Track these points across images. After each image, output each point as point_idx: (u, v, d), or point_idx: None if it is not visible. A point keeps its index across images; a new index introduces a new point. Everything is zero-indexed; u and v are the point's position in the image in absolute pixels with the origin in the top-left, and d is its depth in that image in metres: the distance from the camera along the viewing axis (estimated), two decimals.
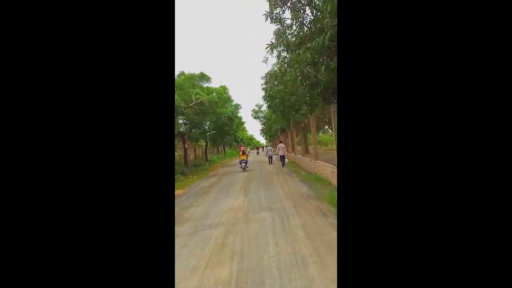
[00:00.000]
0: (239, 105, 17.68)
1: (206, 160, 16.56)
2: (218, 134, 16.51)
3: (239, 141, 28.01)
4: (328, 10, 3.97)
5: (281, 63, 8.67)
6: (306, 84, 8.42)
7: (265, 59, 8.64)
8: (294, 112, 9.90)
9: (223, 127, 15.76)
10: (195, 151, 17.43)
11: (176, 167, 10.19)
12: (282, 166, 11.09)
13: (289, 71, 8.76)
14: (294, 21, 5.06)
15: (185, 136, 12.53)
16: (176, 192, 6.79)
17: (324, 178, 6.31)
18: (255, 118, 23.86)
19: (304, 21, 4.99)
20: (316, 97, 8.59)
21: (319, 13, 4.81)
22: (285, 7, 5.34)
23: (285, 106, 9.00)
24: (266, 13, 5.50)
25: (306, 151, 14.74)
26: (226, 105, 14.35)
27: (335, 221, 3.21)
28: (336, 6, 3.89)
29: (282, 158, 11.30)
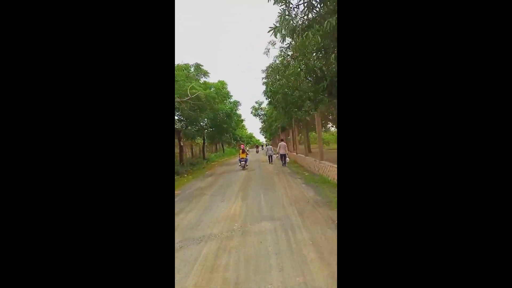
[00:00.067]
0: (238, 102, 17.03)
1: (204, 158, 15.90)
2: (216, 132, 15.84)
3: (238, 139, 27.41)
4: None
5: (284, 55, 8.02)
6: (311, 78, 7.80)
7: (266, 50, 8.00)
8: (296, 109, 9.27)
9: (221, 125, 15.11)
10: (192, 149, 16.79)
11: None
12: (283, 165, 10.55)
13: (293, 64, 8.12)
14: (302, 0, 4.41)
15: (181, 133, 11.89)
16: None
17: (330, 180, 5.70)
18: (255, 115, 23.24)
19: (314, 0, 4.34)
20: (321, 92, 7.96)
21: None
22: None
23: (287, 102, 8.36)
24: None
25: (309, 151, 14.16)
26: (225, 101, 13.69)
27: None
28: None
29: (283, 157, 10.74)
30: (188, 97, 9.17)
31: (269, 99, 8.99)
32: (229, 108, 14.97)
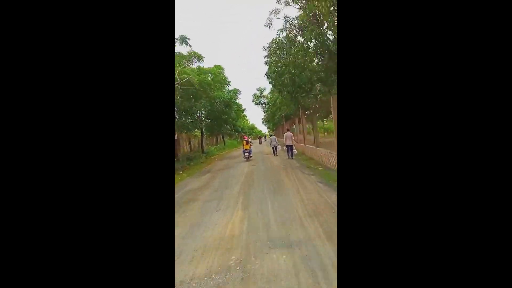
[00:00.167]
0: (238, 90, 15.68)
1: (202, 152, 14.74)
2: (214, 123, 14.58)
3: (240, 130, 26.18)
4: None
5: (289, 28, 6.66)
6: (322, 54, 6.46)
7: (268, 21, 6.65)
8: (304, 94, 7.97)
9: (220, 115, 13.83)
10: (190, 143, 15.63)
11: None
12: (290, 158, 9.41)
13: (299, 40, 6.77)
14: None
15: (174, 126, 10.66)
16: None
17: None
18: (256, 104, 21.82)
19: None
20: (335, 72, 6.65)
21: None
22: None
23: (294, 85, 7.06)
24: None
25: (315, 140, 12.92)
26: (222, 88, 12.35)
27: None
28: None
29: (290, 148, 9.54)
30: (177, 82, 7.86)
31: (273, 82, 7.66)
32: (228, 96, 13.64)
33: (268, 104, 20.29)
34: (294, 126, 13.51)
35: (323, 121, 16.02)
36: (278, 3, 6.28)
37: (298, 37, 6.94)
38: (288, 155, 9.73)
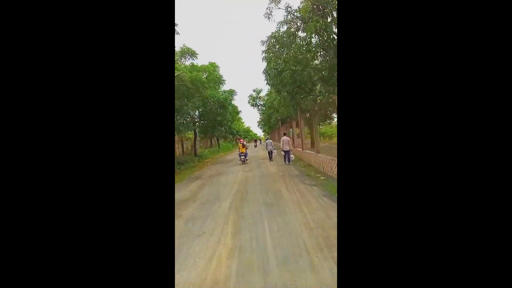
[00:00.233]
0: (234, 90, 14.96)
1: (195, 155, 13.92)
2: (208, 125, 13.79)
3: (235, 133, 25.43)
4: None
5: (290, 20, 6.00)
6: (329, 46, 5.81)
7: (268, 11, 5.98)
8: (304, 95, 7.31)
9: (214, 117, 13.07)
10: (182, 145, 14.80)
11: None
12: (287, 163, 8.75)
13: (304, 29, 6.13)
14: None
15: None
16: None
17: None
18: (252, 105, 21.11)
19: None
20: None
21: None
22: None
23: (295, 83, 6.38)
24: None
25: (312, 145, 12.28)
26: (217, 87, 11.61)
27: None
28: None
29: (287, 153, 8.88)
30: None
31: (271, 81, 6.97)
32: (223, 97, 12.90)
33: (265, 106, 19.59)
34: (291, 130, 12.87)
35: (319, 125, 15.45)
36: None
37: (300, 32, 6.30)
38: (285, 161, 9.08)
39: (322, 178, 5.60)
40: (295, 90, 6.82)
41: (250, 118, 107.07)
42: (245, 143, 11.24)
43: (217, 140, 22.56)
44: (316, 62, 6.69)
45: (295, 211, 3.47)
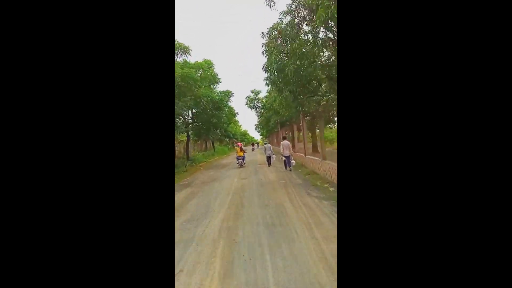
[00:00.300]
0: (231, 92, 14.16)
1: (187, 159, 13.00)
2: (203, 127, 12.91)
3: (232, 136, 24.59)
4: None
5: (296, 6, 5.27)
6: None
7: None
8: (308, 95, 6.55)
9: (209, 118, 12.23)
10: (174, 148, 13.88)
11: None
12: (287, 169, 8.05)
13: (309, 23, 5.41)
14: None
15: None
16: None
17: None
18: (250, 107, 20.25)
19: None
20: None
21: None
22: None
23: (301, 80, 5.61)
24: None
25: (314, 150, 11.51)
26: (211, 86, 10.77)
27: None
28: None
29: (288, 159, 8.11)
30: None
31: (272, 77, 6.18)
32: (218, 97, 12.08)
33: (263, 108, 18.77)
34: (290, 134, 12.11)
35: (319, 129, 14.74)
36: None
37: (304, 25, 5.58)
38: (285, 167, 8.29)
39: (331, 189, 4.79)
40: (298, 89, 6.05)
41: (247, 121, 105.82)
42: (242, 146, 11.08)
43: (212, 143, 21.62)
44: (323, 59, 5.96)
45: (305, 236, 2.65)
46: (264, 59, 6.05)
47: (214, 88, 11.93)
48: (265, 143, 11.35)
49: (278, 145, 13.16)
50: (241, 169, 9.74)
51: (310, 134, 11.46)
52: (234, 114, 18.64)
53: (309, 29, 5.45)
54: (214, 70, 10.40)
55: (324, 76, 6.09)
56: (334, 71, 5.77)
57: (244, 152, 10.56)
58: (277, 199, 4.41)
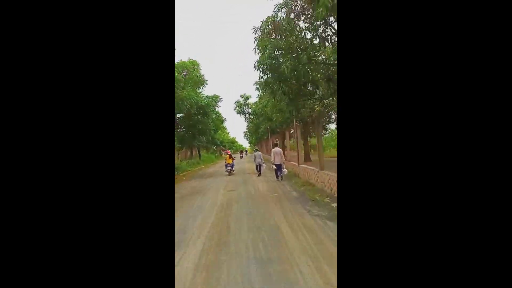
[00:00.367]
0: (219, 96, 13.39)
1: None
2: (187, 133, 11.95)
3: (219, 143, 23.63)
4: None
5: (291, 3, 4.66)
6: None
7: None
8: (304, 98, 5.90)
9: (195, 124, 11.34)
10: None
11: None
12: (279, 179, 7.35)
13: (305, 19, 4.83)
14: None
15: None
16: None
17: None
18: (239, 113, 19.43)
19: None
20: None
21: None
22: None
23: (299, 79, 4.95)
24: None
25: (306, 159, 10.91)
26: (197, 88, 9.94)
27: None
28: None
29: (279, 167, 7.39)
30: None
31: (264, 77, 5.47)
32: (205, 102, 11.25)
33: (253, 114, 18.03)
34: (280, 142, 11.47)
35: (312, 137, 14.18)
36: None
37: (301, 22, 4.99)
38: (276, 177, 7.55)
39: (333, 205, 4.06)
40: (295, 90, 5.37)
41: (236, 128, 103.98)
42: (232, 154, 10.97)
43: (198, 151, 20.50)
44: (323, 56, 5.37)
45: (315, 279, 1.86)
46: (256, 57, 5.37)
47: (200, 92, 11.11)
48: (254, 151, 10.65)
49: (268, 153, 12.45)
50: (228, 178, 8.90)
51: (302, 142, 10.87)
52: (222, 121, 17.81)
53: (306, 26, 4.87)
54: (200, 71, 9.62)
55: (323, 76, 5.48)
56: (333, 71, 5.19)
57: (233, 159, 10.57)
58: (271, 219, 3.60)
